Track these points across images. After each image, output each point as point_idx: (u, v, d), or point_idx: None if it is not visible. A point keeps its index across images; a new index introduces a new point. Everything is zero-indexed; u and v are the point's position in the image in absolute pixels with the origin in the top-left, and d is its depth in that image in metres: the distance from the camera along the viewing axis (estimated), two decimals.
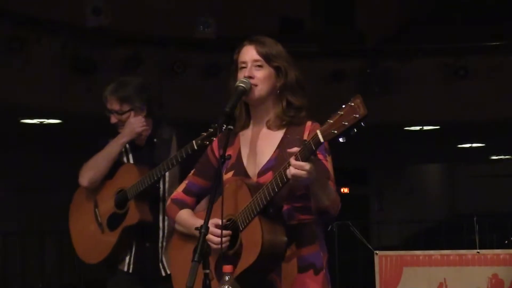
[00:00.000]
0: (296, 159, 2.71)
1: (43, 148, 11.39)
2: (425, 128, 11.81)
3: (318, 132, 2.67)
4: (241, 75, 3.01)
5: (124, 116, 4.12)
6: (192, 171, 3.23)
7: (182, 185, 3.23)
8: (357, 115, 2.58)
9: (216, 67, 9.75)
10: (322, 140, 2.66)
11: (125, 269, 4.07)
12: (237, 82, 2.98)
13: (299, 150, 2.72)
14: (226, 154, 2.94)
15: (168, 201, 3.25)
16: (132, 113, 4.12)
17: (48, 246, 11.05)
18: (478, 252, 4.86)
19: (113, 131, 4.17)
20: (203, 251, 2.65)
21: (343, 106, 2.63)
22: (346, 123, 2.60)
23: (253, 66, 3.00)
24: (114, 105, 4.11)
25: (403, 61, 10.42)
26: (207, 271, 2.66)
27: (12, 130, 10.36)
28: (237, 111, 3.06)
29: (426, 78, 10.49)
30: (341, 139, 2.64)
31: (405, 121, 10.89)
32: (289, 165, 2.73)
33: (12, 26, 8.49)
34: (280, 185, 2.80)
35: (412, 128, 11.75)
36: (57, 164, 11.35)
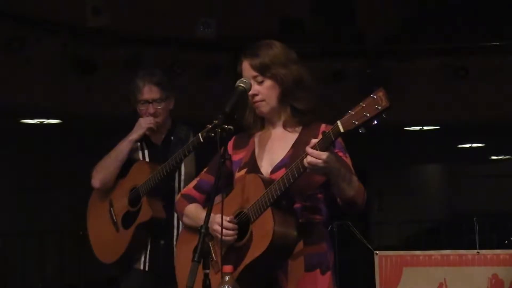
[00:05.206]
0: (314, 149, 2.72)
1: (43, 148, 11.37)
2: (425, 128, 11.80)
3: (339, 122, 2.69)
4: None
5: (164, 104, 4.03)
6: (205, 169, 3.24)
7: (194, 182, 3.25)
8: (379, 107, 2.62)
9: (216, 67, 9.74)
10: (342, 130, 2.68)
11: (141, 267, 4.05)
12: (237, 82, 2.99)
13: (319, 140, 2.74)
14: (228, 154, 2.95)
15: (178, 196, 3.27)
16: (170, 103, 4.05)
17: (48, 246, 11.03)
18: (478, 252, 4.86)
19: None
20: (203, 251, 2.65)
21: (365, 98, 2.67)
22: (368, 115, 2.63)
23: (255, 83, 3.00)
24: (154, 93, 4.01)
25: (403, 61, 10.41)
26: (207, 271, 2.66)
27: (12, 130, 10.35)
28: (251, 115, 3.08)
29: (426, 78, 10.48)
30: (361, 130, 2.67)
31: (405, 121, 10.88)
32: (307, 154, 2.74)
33: (12, 26, 8.47)
34: (296, 175, 2.80)
35: (412, 128, 11.74)
36: (57, 164, 11.34)
